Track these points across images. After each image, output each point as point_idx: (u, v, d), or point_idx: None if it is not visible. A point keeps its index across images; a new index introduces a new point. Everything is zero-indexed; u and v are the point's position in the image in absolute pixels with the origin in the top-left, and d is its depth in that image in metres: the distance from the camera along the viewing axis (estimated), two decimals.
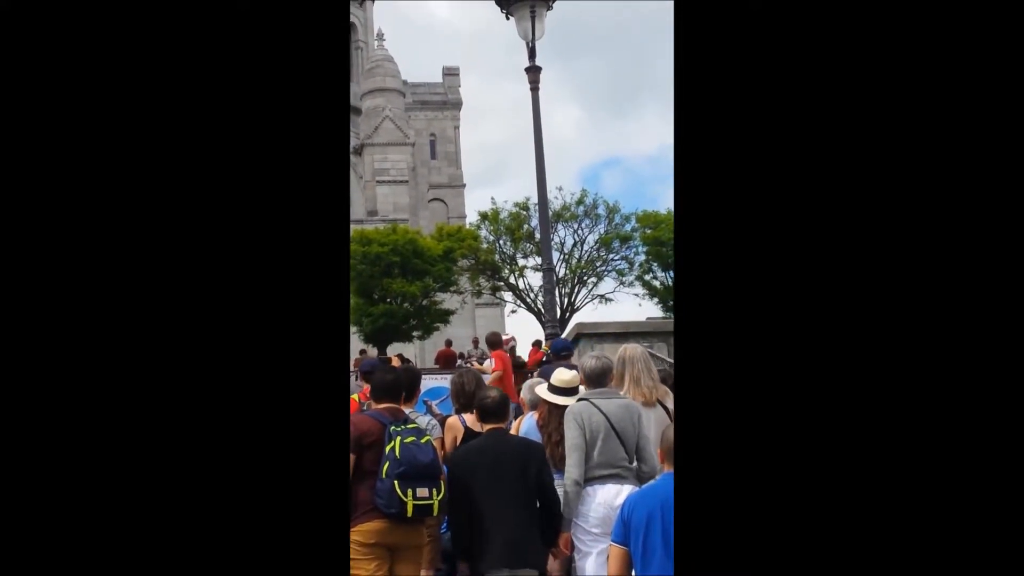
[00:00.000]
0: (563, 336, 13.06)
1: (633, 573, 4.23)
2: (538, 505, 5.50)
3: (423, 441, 5.23)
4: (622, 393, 6.09)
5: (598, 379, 5.80)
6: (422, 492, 5.08)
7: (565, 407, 5.93)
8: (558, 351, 9.80)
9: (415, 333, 33.74)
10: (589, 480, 5.47)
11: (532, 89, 12.89)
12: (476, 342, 30.81)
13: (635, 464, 5.60)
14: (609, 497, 5.43)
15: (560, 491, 5.66)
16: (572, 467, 5.49)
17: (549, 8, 12.65)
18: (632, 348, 6.42)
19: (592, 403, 5.61)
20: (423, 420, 6.53)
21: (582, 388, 6.22)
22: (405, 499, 4.99)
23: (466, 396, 6.69)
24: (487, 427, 5.84)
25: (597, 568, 5.38)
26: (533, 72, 12.84)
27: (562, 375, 6.27)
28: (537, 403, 6.58)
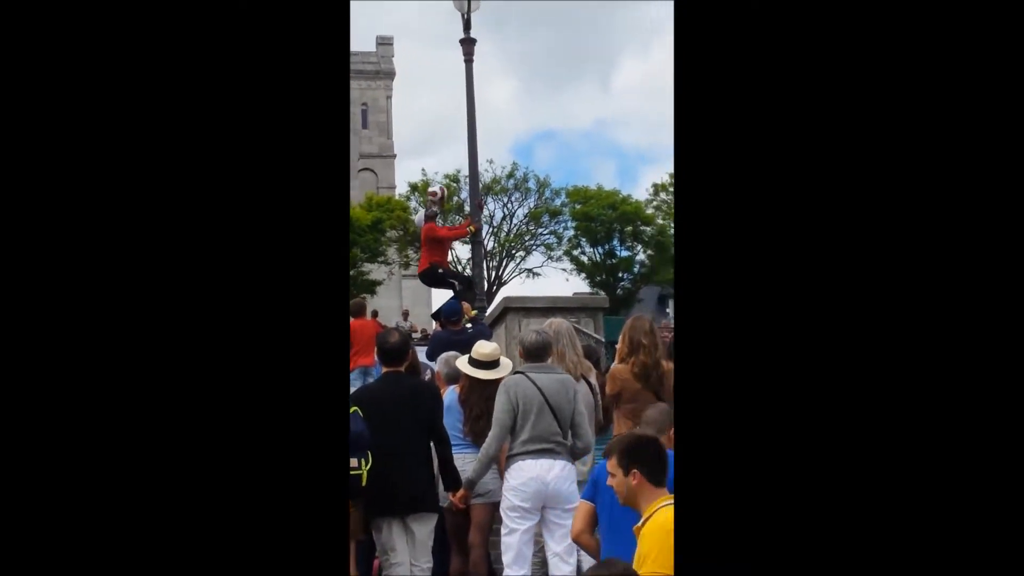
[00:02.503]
0: (490, 310, 13.08)
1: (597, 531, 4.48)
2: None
3: (350, 411, 5.25)
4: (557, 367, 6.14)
5: (537, 353, 5.79)
6: (352, 463, 5.10)
7: (487, 381, 5.96)
8: (448, 315, 9.50)
9: (359, 299, 33.43)
10: (521, 454, 5.49)
11: (466, 61, 12.85)
12: (406, 314, 30.73)
13: (569, 439, 5.63)
14: (542, 471, 5.46)
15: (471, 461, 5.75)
16: (491, 440, 5.55)
17: None
18: (558, 323, 6.47)
19: (528, 377, 5.61)
20: None
21: (507, 362, 6.25)
22: None
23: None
24: (385, 369, 5.92)
25: (522, 546, 5.45)
26: (467, 44, 12.79)
27: (482, 348, 6.28)
28: (455, 376, 6.59)
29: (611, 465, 3.92)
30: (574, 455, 5.66)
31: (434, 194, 12.80)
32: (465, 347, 6.95)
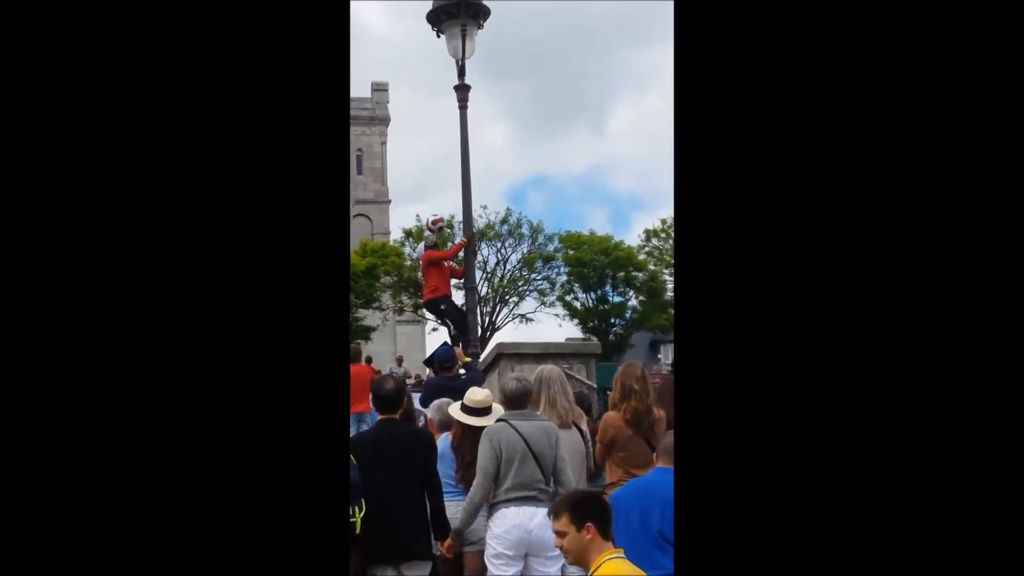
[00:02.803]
0: (483, 356, 13.07)
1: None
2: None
3: None
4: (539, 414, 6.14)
5: (518, 401, 5.81)
6: None
7: (479, 428, 5.97)
8: (442, 362, 9.45)
9: (355, 344, 33.33)
10: (504, 502, 5.49)
11: (460, 107, 12.87)
12: (400, 360, 30.65)
13: (552, 487, 5.62)
14: (524, 519, 5.45)
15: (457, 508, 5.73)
16: (476, 489, 5.54)
17: (480, 27, 12.68)
18: (549, 369, 6.46)
19: (510, 424, 5.62)
20: None
21: (499, 408, 6.25)
22: None
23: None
24: (380, 416, 5.93)
25: None
26: (462, 91, 12.82)
27: (475, 395, 6.28)
28: (448, 423, 6.59)
29: (561, 524, 3.93)
30: None
31: (437, 220, 12.89)
32: (459, 393, 6.94)
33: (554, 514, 4.00)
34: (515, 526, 5.44)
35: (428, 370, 11.74)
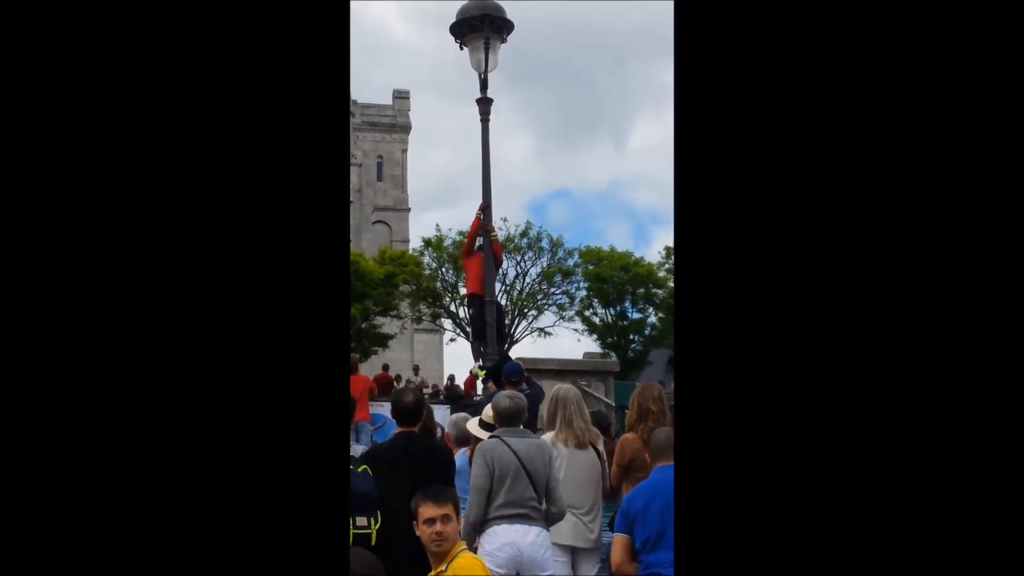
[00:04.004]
0: None
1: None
2: None
3: (359, 469, 5.21)
4: (548, 434, 6.09)
5: (511, 419, 5.76)
6: (361, 521, 5.06)
7: None
8: (509, 375, 8.95)
9: (353, 356, 33.43)
10: (496, 519, 5.42)
11: (483, 121, 12.83)
12: (417, 369, 30.65)
13: (544, 505, 5.58)
14: (516, 537, 5.39)
15: None
16: (471, 508, 5.45)
17: (503, 41, 12.66)
18: (565, 389, 6.40)
19: (503, 441, 5.56)
20: (357, 448, 6.51)
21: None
22: None
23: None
24: (399, 429, 5.89)
25: None
26: (484, 104, 12.79)
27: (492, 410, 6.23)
28: (464, 439, 6.54)
29: (448, 509, 4.09)
30: (549, 521, 5.59)
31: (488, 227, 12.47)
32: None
33: (441, 500, 4.13)
34: (507, 544, 5.37)
35: (482, 384, 11.39)
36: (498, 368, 9.66)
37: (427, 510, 4.07)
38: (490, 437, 5.72)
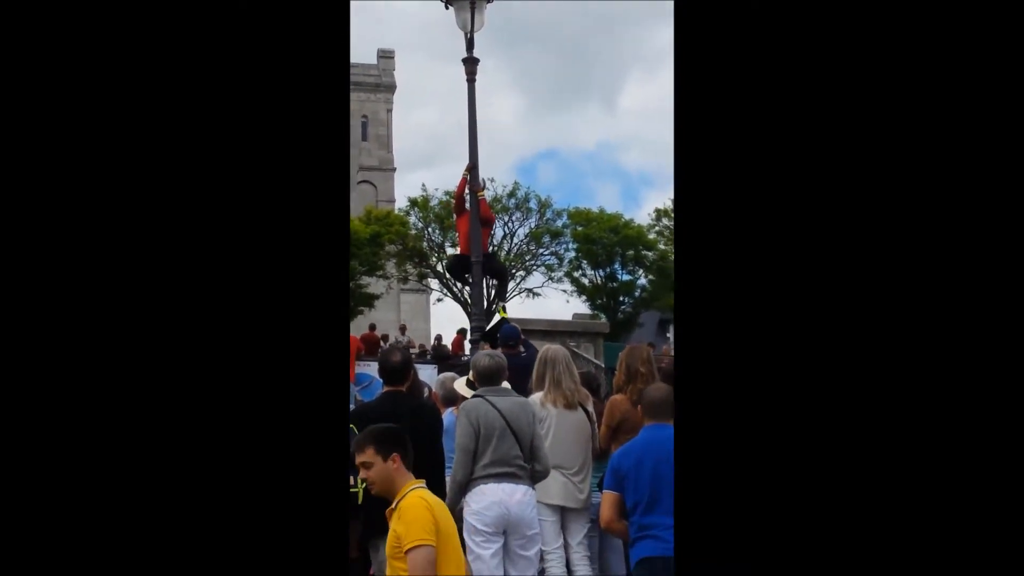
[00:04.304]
0: (489, 328, 12.97)
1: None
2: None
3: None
4: (537, 395, 6.07)
5: (491, 378, 5.75)
6: (349, 480, 5.05)
7: None
8: (506, 338, 8.93)
9: None
10: (484, 478, 5.42)
11: (469, 81, 12.76)
12: (404, 328, 30.64)
13: (529, 464, 5.58)
14: (504, 496, 5.39)
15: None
16: (457, 467, 5.45)
17: (489, 0, 12.53)
18: (555, 350, 6.39)
19: (487, 400, 5.56)
20: None
21: (505, 384, 6.16)
22: None
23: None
24: (386, 388, 5.89)
25: (494, 568, 5.36)
26: (470, 64, 12.70)
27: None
28: (452, 399, 6.51)
29: (368, 455, 4.09)
30: (534, 479, 5.60)
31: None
32: (523, 372, 6.87)
33: (359, 448, 4.14)
34: (494, 503, 5.37)
35: (469, 345, 11.32)
36: (494, 331, 9.63)
37: (356, 460, 4.16)
38: (473, 396, 5.71)
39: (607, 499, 4.90)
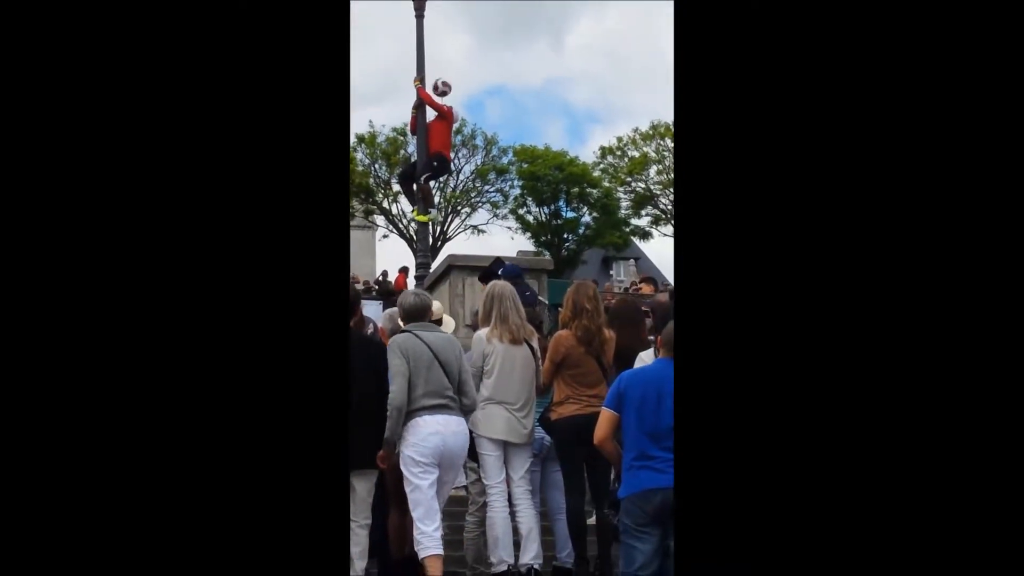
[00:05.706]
0: (434, 266, 13.03)
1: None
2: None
3: None
4: (483, 330, 6.17)
5: (417, 315, 5.88)
6: None
7: None
8: (509, 276, 8.76)
9: None
10: (420, 410, 5.54)
11: (417, 16, 12.73)
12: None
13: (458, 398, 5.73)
14: (440, 427, 5.54)
15: None
16: (396, 394, 5.54)
17: None
18: (501, 286, 6.44)
19: (415, 334, 5.69)
20: None
21: (450, 320, 6.25)
22: None
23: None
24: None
25: (430, 500, 5.49)
26: (419, 0, 12.69)
27: None
28: (397, 332, 6.58)
29: None
30: (464, 412, 5.77)
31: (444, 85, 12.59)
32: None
33: None
34: (432, 433, 5.52)
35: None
36: (491, 269, 9.64)
37: None
38: (402, 332, 5.81)
39: (605, 417, 4.87)
